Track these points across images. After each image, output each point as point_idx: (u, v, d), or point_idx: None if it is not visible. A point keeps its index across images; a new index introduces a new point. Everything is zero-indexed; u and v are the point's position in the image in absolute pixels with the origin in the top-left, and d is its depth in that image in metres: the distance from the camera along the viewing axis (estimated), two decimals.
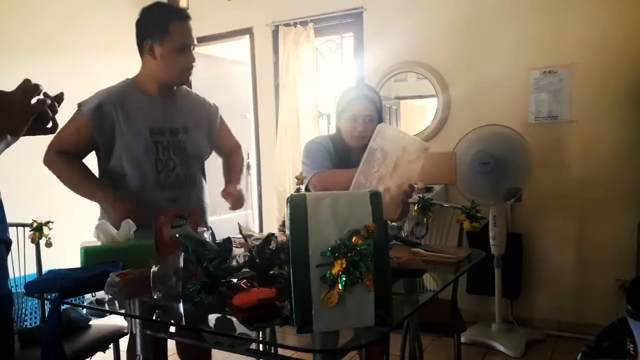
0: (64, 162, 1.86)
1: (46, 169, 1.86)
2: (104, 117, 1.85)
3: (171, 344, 2.09)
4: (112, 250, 1.57)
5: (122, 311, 1.45)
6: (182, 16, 1.90)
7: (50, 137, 1.12)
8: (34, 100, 1.00)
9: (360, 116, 2.01)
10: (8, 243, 1.05)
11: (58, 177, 1.87)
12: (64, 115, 1.09)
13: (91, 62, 3.93)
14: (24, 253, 2.22)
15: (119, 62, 3.92)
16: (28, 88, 0.99)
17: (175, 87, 2.01)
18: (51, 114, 1.04)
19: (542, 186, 3.21)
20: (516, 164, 2.91)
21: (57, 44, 3.79)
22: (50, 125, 1.06)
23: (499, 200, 2.99)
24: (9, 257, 1.06)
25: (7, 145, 0.96)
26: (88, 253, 1.55)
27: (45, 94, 1.03)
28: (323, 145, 2.09)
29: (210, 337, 1.48)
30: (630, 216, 2.97)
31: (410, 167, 1.76)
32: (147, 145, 1.88)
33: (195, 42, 1.95)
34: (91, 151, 1.93)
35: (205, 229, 1.85)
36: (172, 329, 1.64)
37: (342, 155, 2.08)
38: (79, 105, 1.88)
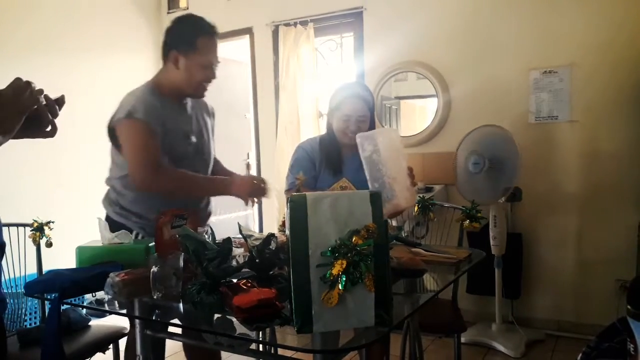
0: (169, 172, 1.81)
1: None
2: (151, 117, 1.80)
3: (171, 345, 2.09)
4: (106, 250, 1.57)
5: (122, 311, 1.45)
6: (211, 33, 1.91)
7: (50, 141, 1.08)
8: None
9: (353, 116, 2.04)
10: (2, 246, 1.03)
11: (171, 189, 1.81)
12: (63, 118, 1.06)
13: (90, 61, 3.92)
14: (24, 253, 2.23)
15: (119, 63, 3.95)
16: (19, 86, 0.97)
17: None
18: (51, 117, 1.01)
19: (542, 186, 3.21)
20: (510, 163, 2.92)
21: (56, 44, 3.78)
22: (49, 128, 1.03)
23: (494, 200, 2.99)
24: (3, 261, 1.04)
25: None
26: (82, 253, 1.55)
27: (46, 96, 1.00)
28: (308, 153, 2.13)
29: (210, 337, 1.48)
30: (630, 216, 2.97)
31: (400, 153, 1.86)
32: (185, 150, 1.91)
33: (219, 60, 1.94)
34: None
35: (206, 228, 1.85)
36: (172, 329, 1.64)
37: (331, 155, 2.11)
38: (128, 115, 1.78)
